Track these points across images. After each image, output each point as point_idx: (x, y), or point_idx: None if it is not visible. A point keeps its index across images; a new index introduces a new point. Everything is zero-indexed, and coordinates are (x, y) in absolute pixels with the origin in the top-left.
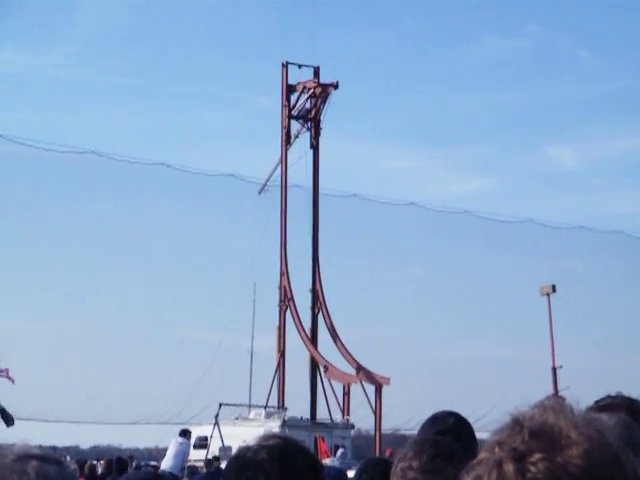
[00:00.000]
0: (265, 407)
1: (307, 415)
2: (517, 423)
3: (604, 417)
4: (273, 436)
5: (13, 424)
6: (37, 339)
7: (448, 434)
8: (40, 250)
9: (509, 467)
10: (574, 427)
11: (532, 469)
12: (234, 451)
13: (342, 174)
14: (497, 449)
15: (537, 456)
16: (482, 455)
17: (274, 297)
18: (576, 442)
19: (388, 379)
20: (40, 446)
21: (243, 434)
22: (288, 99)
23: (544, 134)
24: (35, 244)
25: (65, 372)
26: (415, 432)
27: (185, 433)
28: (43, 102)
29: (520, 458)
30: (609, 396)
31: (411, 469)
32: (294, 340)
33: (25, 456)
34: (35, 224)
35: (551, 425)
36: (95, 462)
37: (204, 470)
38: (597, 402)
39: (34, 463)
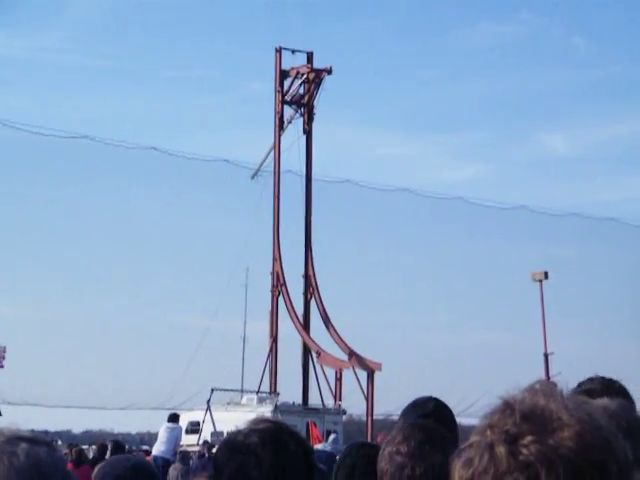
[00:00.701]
0: (257, 392)
1: (299, 400)
2: (508, 406)
3: (604, 401)
4: (264, 420)
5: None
6: (31, 325)
7: (429, 418)
8: (36, 236)
9: (501, 449)
10: (565, 410)
11: (524, 451)
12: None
13: (335, 160)
14: (488, 432)
15: (529, 438)
16: (473, 438)
17: (266, 282)
18: (567, 424)
19: (380, 365)
20: (32, 430)
21: (235, 419)
22: (281, 84)
23: (537, 121)
24: (31, 230)
25: (57, 358)
26: None
27: (175, 418)
28: (37, 87)
29: (512, 441)
30: (589, 379)
31: (399, 453)
32: (286, 326)
33: (15, 438)
34: (30, 210)
35: (542, 408)
36: (86, 447)
37: (196, 454)
38: (579, 385)
39: (24, 445)
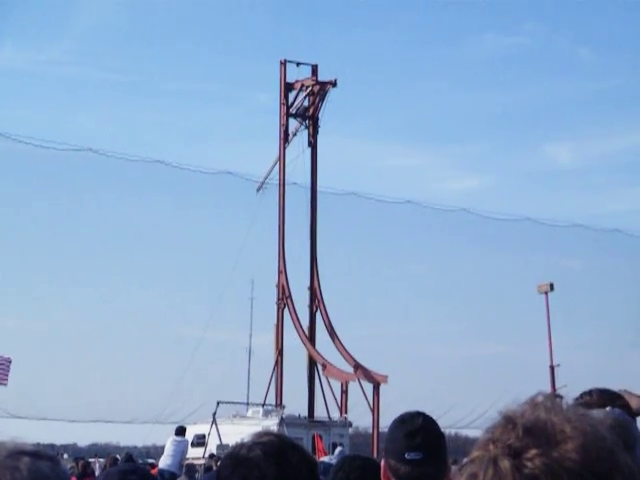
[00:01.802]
0: (263, 405)
1: (305, 413)
2: (509, 420)
3: (601, 412)
4: (267, 433)
5: None
6: (35, 337)
7: (417, 434)
8: (38, 248)
9: (505, 464)
10: (568, 422)
11: (529, 465)
12: None
13: (340, 172)
14: (491, 446)
15: (533, 452)
16: (475, 453)
17: (272, 295)
18: (571, 436)
19: (386, 377)
20: (38, 444)
21: (241, 432)
22: (286, 97)
23: (542, 131)
24: (32, 242)
25: (63, 370)
26: None
27: (182, 431)
28: (41, 99)
29: (516, 454)
30: (586, 393)
31: None
32: (292, 338)
33: (17, 452)
34: (32, 222)
35: (544, 421)
36: (92, 460)
37: (202, 467)
38: (576, 400)
39: (26, 459)
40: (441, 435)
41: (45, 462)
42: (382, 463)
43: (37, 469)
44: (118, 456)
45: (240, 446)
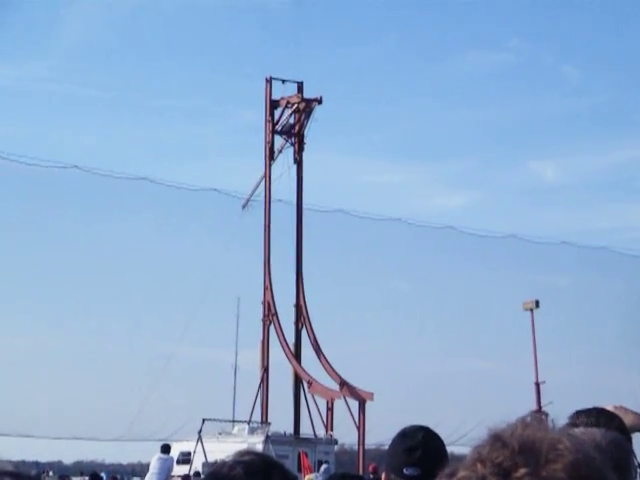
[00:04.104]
0: (248, 422)
1: (291, 430)
2: (498, 439)
3: (597, 432)
4: (248, 452)
5: None
6: (18, 354)
7: (417, 449)
8: (19, 265)
9: None
10: (557, 441)
11: None
12: None
13: (326, 189)
14: (479, 465)
15: (522, 471)
16: (462, 473)
17: (258, 312)
18: (560, 456)
19: (372, 394)
20: (23, 461)
21: (226, 449)
22: (272, 114)
23: (527, 148)
24: (14, 259)
25: (47, 388)
26: None
27: (167, 448)
28: (26, 116)
29: (505, 474)
30: (581, 412)
31: None
32: (278, 355)
33: None
34: (15, 239)
35: (533, 440)
36: (78, 479)
37: None
38: (570, 418)
39: None
40: (442, 450)
41: None
42: (383, 477)
43: None
44: (103, 474)
45: (222, 465)
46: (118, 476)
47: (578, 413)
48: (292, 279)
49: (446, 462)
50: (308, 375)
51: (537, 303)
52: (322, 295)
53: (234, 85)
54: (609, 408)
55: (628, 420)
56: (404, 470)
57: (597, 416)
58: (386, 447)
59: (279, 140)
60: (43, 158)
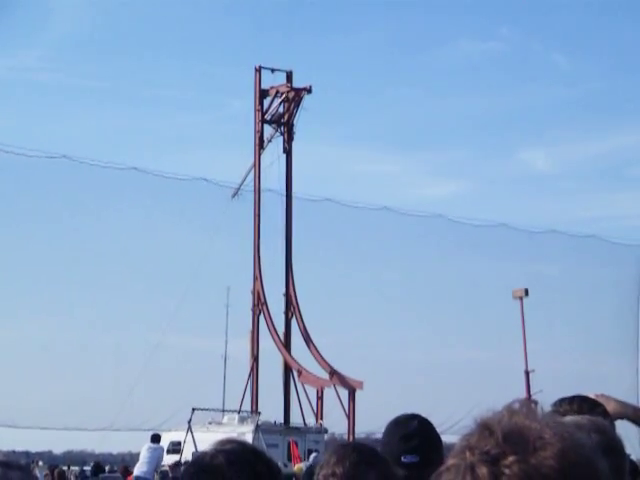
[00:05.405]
0: (238, 412)
1: (281, 419)
2: (486, 427)
3: (583, 418)
4: (230, 441)
5: None
6: (5, 346)
7: (414, 437)
8: (6, 255)
9: (483, 471)
10: (545, 428)
11: (506, 471)
12: None
13: (315, 178)
14: (468, 454)
15: (511, 458)
16: (451, 461)
17: (247, 301)
18: (549, 443)
19: (361, 383)
20: (13, 451)
21: (216, 439)
22: (261, 103)
23: (517, 137)
24: (1, 250)
25: (36, 378)
26: None
27: (157, 438)
28: (15, 106)
29: (493, 461)
30: (564, 400)
31: (334, 475)
32: (267, 344)
33: None
34: (2, 230)
35: (521, 427)
36: (66, 468)
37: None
38: (553, 406)
39: None
40: (437, 437)
41: (16, 472)
42: None
43: (8, 479)
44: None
45: (203, 454)
46: (107, 466)
47: (561, 401)
48: (282, 268)
49: (442, 449)
50: (298, 364)
51: (526, 291)
52: (312, 284)
53: (223, 74)
54: (591, 396)
55: (610, 408)
56: (402, 458)
57: (580, 403)
58: (376, 436)
59: (268, 129)
60: (32, 148)
